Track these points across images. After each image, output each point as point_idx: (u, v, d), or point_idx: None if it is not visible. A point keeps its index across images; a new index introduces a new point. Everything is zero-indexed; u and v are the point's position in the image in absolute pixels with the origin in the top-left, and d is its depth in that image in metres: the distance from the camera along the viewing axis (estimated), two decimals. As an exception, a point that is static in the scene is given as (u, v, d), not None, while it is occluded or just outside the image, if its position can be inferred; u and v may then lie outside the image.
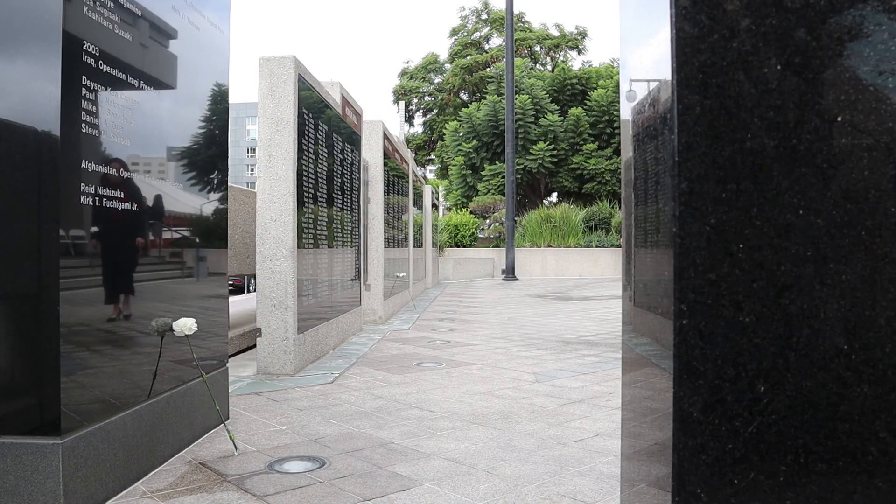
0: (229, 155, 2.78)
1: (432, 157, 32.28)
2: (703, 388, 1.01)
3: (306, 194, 4.00)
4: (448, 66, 32.31)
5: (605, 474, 2.08)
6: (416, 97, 33.03)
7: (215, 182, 2.65)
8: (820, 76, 0.99)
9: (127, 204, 1.94)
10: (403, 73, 33.73)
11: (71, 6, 1.66)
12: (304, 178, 3.94)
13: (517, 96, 21.15)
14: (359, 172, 5.64)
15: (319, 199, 4.33)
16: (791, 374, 0.99)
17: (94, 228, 1.80)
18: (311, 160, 4.09)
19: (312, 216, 4.15)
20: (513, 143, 14.94)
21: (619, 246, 16.18)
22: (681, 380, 1.02)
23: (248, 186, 6.29)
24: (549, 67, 30.11)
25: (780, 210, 0.99)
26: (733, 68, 1.00)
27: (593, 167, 21.61)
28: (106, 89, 1.82)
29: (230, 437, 2.31)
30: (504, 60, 17.83)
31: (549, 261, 16.52)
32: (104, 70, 1.81)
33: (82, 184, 1.72)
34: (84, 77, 1.72)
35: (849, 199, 0.98)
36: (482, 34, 32.36)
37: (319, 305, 4.32)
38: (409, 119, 33.46)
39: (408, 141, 30.59)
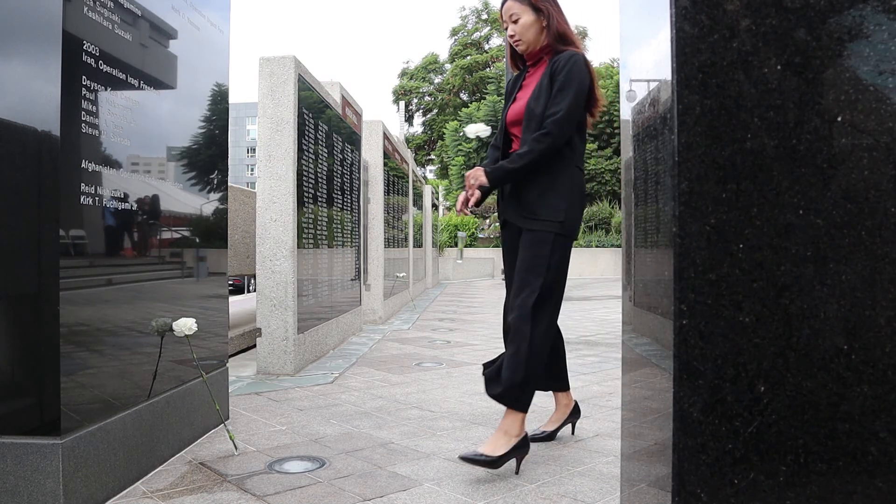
0: (229, 155, 2.78)
1: (432, 157, 32.30)
2: (703, 388, 1.01)
3: (306, 194, 4.00)
4: (448, 66, 32.34)
5: (605, 474, 2.08)
6: (416, 97, 33.05)
7: (215, 182, 2.65)
8: (820, 76, 0.99)
9: (127, 204, 1.94)
10: (403, 74, 33.75)
11: (71, 6, 1.66)
12: (304, 178, 3.94)
13: (517, 96, 21.11)
14: (359, 172, 5.64)
15: (319, 199, 4.33)
16: (791, 374, 0.99)
17: (94, 228, 1.81)
18: (311, 160, 4.09)
19: (312, 216, 4.15)
20: (513, 143, 14.90)
21: (619, 246, 16.16)
22: (681, 380, 1.02)
23: (248, 186, 6.29)
24: (549, 67, 30.04)
25: (780, 210, 0.99)
26: (733, 68, 1.00)
27: (593, 167, 21.61)
28: (106, 89, 1.82)
29: (230, 437, 2.31)
30: (504, 60, 17.81)
31: (549, 261, 16.47)
32: (104, 70, 1.81)
33: (82, 184, 1.72)
34: (84, 77, 1.71)
35: (849, 199, 0.98)
36: (482, 34, 32.38)
37: (319, 305, 4.32)
38: (409, 119, 33.48)
39: (408, 141, 30.58)
